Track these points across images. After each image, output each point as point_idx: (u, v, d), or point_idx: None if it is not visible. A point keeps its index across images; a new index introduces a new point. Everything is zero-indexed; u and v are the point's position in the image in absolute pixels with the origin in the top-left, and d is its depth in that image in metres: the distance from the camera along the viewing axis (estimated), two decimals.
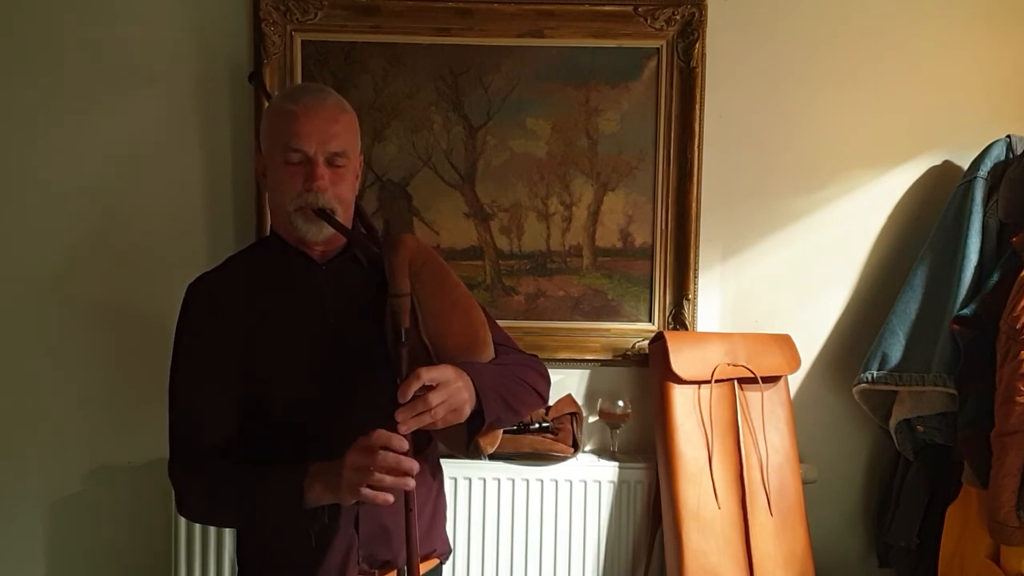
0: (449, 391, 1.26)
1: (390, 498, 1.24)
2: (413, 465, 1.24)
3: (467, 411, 1.29)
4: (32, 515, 2.19)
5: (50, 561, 2.20)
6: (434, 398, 1.24)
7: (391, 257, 1.34)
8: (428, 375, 1.25)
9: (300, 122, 1.37)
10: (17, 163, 2.12)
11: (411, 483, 1.25)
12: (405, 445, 1.24)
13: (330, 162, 1.39)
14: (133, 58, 2.11)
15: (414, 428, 1.25)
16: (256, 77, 2.05)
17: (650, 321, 2.21)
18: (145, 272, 2.14)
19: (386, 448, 1.23)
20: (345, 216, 1.43)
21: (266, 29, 2.08)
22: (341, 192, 1.40)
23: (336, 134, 1.39)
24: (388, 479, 1.22)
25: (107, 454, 2.18)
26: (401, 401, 1.24)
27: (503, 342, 1.50)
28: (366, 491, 1.22)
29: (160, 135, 2.13)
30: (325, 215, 1.38)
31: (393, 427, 1.24)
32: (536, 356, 1.54)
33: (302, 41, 2.10)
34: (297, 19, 2.09)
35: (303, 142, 1.37)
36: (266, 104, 2.01)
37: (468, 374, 1.30)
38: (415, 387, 1.24)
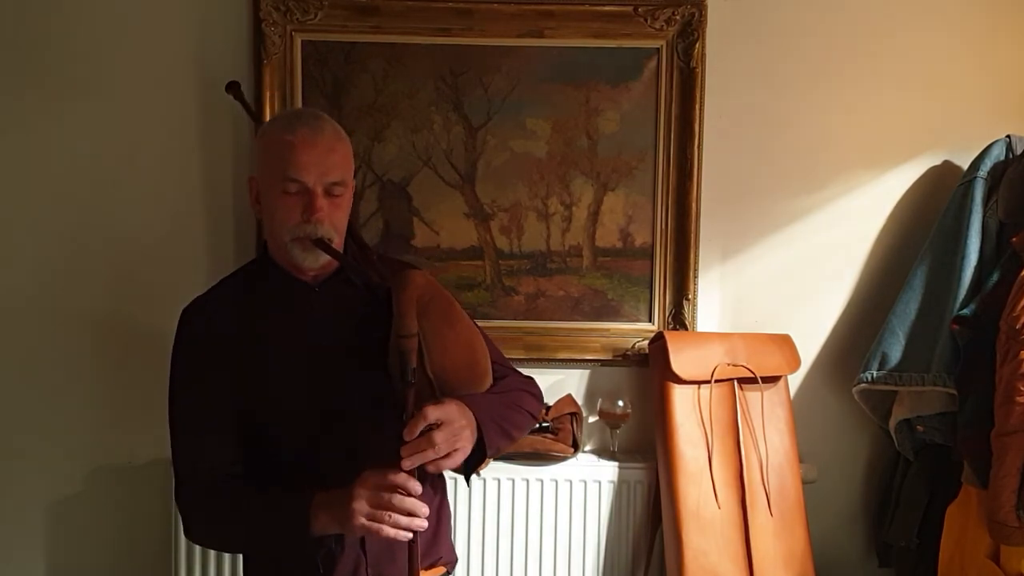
0: (454, 429, 1.28)
1: (401, 534, 1.26)
2: (426, 509, 1.27)
3: (469, 449, 1.31)
4: (32, 515, 2.19)
5: (50, 561, 2.20)
6: (439, 437, 1.26)
7: (399, 296, 1.32)
8: (434, 414, 1.27)
9: (298, 153, 1.36)
10: (20, 169, 2.12)
11: (424, 524, 1.27)
12: (419, 489, 1.26)
13: (328, 192, 1.38)
14: (132, 58, 2.11)
15: (418, 464, 1.26)
16: (234, 87, 2.00)
17: (650, 321, 2.21)
18: (145, 275, 2.14)
19: (400, 490, 1.25)
20: (340, 242, 1.43)
21: (266, 29, 2.08)
22: (338, 220, 1.41)
23: (334, 164, 1.38)
24: (404, 520, 1.25)
25: (107, 454, 2.18)
26: (407, 439, 1.25)
27: (499, 361, 1.52)
28: (384, 529, 1.24)
29: (160, 135, 2.12)
30: (323, 244, 1.37)
31: (396, 459, 1.26)
32: (532, 379, 1.57)
33: (302, 41, 2.10)
34: (297, 19, 2.09)
35: (302, 173, 1.36)
36: (254, 125, 2.00)
37: (471, 409, 1.32)
38: (421, 426, 1.26)
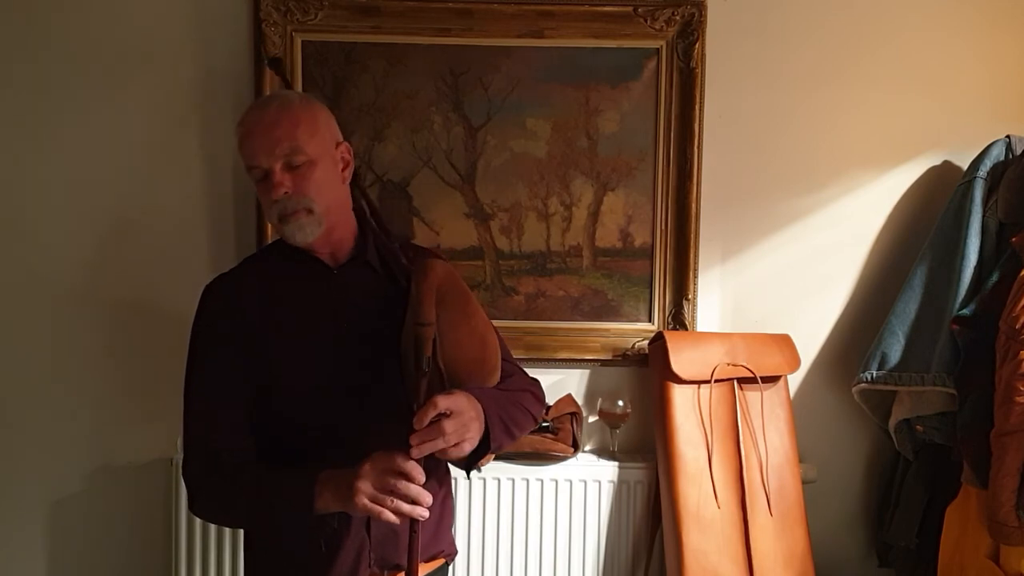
0: (463, 420, 1.29)
1: (397, 519, 1.26)
2: (429, 499, 1.27)
3: (476, 441, 1.32)
4: (32, 515, 2.19)
5: (50, 561, 2.20)
6: (449, 426, 1.26)
7: (420, 284, 1.34)
8: (444, 404, 1.27)
9: (247, 141, 1.40)
10: (17, 166, 2.12)
11: (426, 514, 1.27)
12: (423, 477, 1.26)
13: (289, 165, 1.38)
14: (133, 59, 2.11)
15: (427, 452, 1.26)
16: (275, 63, 2.03)
17: (650, 321, 2.21)
18: (146, 273, 2.14)
19: (406, 477, 1.25)
20: (337, 213, 1.43)
21: (266, 29, 2.08)
22: (308, 190, 1.39)
23: (278, 138, 1.37)
24: (405, 507, 1.25)
25: (107, 454, 2.18)
26: (417, 428, 1.26)
27: (508, 358, 1.53)
28: (384, 512, 1.25)
29: (160, 135, 2.13)
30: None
31: (405, 444, 1.26)
32: (537, 381, 1.58)
33: (302, 41, 2.11)
34: (297, 19, 2.09)
35: (254, 159, 1.39)
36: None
37: (479, 402, 1.33)
38: (432, 415, 1.26)
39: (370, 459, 1.27)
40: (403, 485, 1.24)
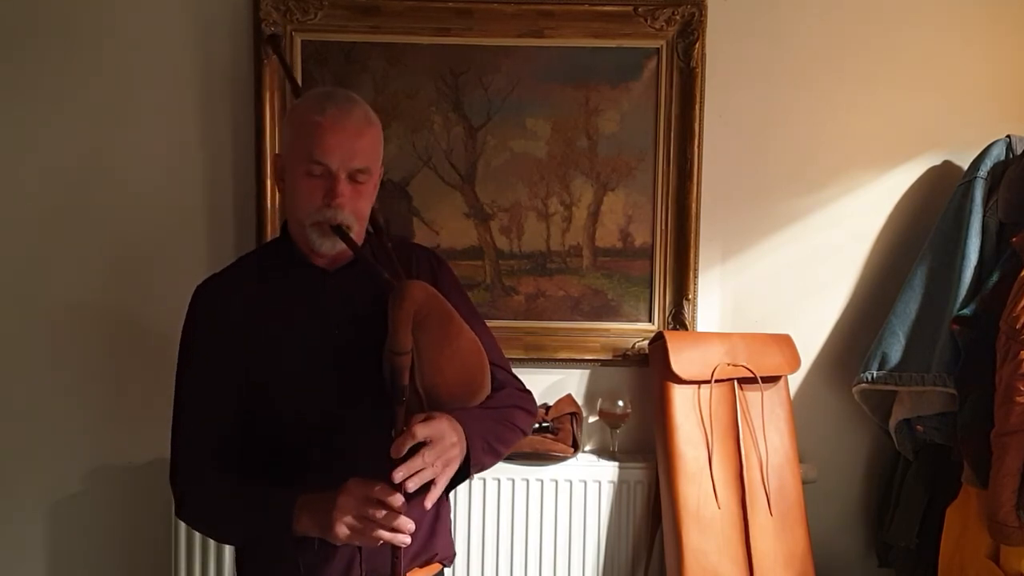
0: (444, 447, 1.26)
1: (379, 543, 1.25)
2: (411, 526, 1.26)
3: (456, 466, 1.29)
4: (32, 515, 2.19)
5: (50, 561, 2.20)
6: (429, 456, 1.24)
7: (395, 311, 1.27)
8: (423, 433, 1.24)
9: (325, 136, 1.33)
10: (18, 163, 2.12)
11: (407, 541, 1.26)
12: (402, 503, 1.24)
13: (352, 178, 1.36)
14: (133, 58, 2.11)
15: (413, 486, 1.24)
16: (274, 40, 2.00)
17: (650, 321, 2.21)
18: (145, 273, 2.14)
19: (384, 505, 1.23)
20: (360, 230, 1.41)
21: (266, 29, 2.08)
22: (360, 208, 1.38)
23: (360, 150, 1.36)
24: (385, 535, 1.24)
25: (107, 454, 2.18)
26: (394, 457, 1.23)
27: (501, 364, 1.50)
28: (366, 542, 1.25)
29: (161, 133, 2.13)
30: (341, 232, 1.35)
31: (384, 471, 1.24)
32: (529, 393, 1.53)
33: (302, 41, 2.11)
34: (297, 19, 2.09)
35: (327, 156, 1.33)
36: (288, 85, 2.02)
37: (461, 425, 1.30)
38: (409, 444, 1.23)
39: (346, 488, 1.25)
40: (382, 516, 1.23)
